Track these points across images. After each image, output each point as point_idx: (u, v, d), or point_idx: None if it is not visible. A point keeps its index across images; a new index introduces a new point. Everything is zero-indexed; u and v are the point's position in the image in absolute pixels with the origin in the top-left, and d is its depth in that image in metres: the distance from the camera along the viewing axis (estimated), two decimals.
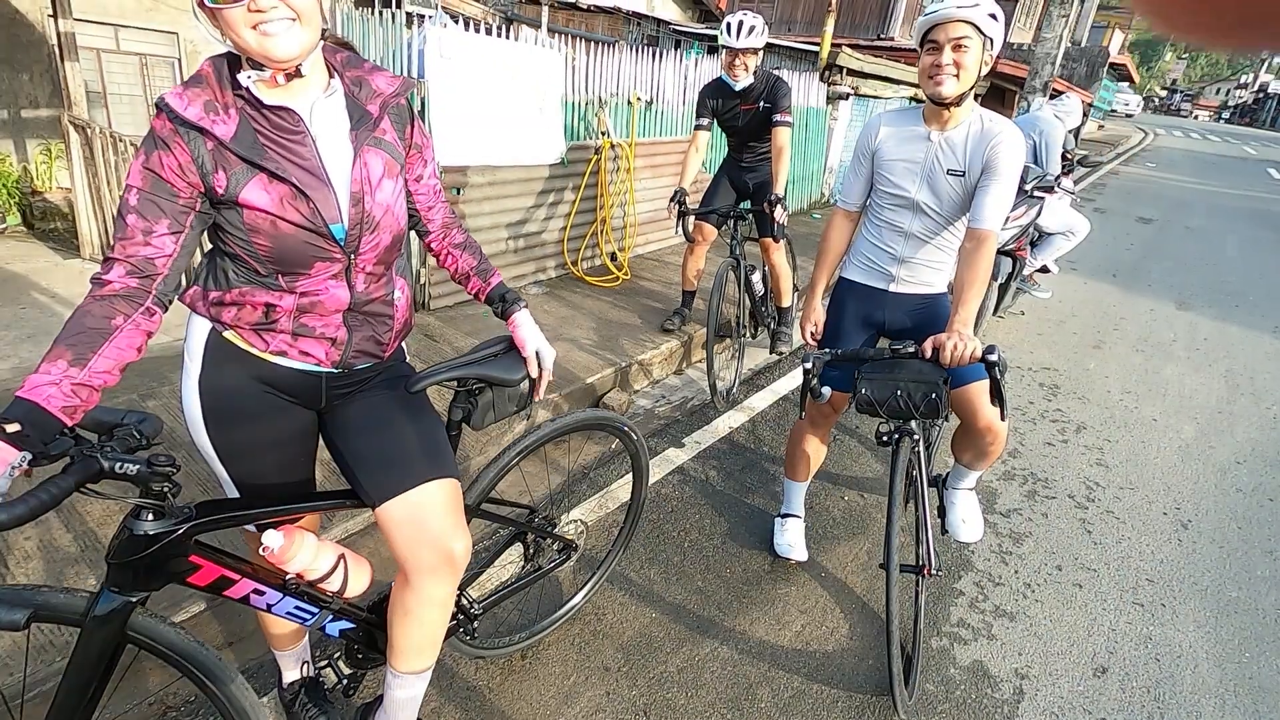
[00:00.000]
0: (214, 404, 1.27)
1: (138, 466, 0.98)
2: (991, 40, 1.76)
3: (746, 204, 3.74)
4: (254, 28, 1.04)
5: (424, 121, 3.62)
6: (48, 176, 7.00)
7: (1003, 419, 1.87)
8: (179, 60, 7.80)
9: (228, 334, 1.24)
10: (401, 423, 1.36)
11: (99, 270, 1.10)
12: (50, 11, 5.29)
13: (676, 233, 4.41)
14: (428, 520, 1.28)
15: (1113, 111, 32.47)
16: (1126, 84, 32.85)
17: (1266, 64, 48.59)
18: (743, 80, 3.41)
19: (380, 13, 3.84)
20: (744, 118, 3.52)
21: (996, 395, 1.72)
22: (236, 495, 1.35)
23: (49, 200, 6.48)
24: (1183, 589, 2.46)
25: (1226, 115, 28.54)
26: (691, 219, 3.65)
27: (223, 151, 1.10)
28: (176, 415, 2.74)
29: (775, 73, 3.47)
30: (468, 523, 1.42)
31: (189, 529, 1.09)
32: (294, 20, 1.06)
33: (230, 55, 1.12)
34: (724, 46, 3.36)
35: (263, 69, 1.09)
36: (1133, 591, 2.43)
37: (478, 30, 3.83)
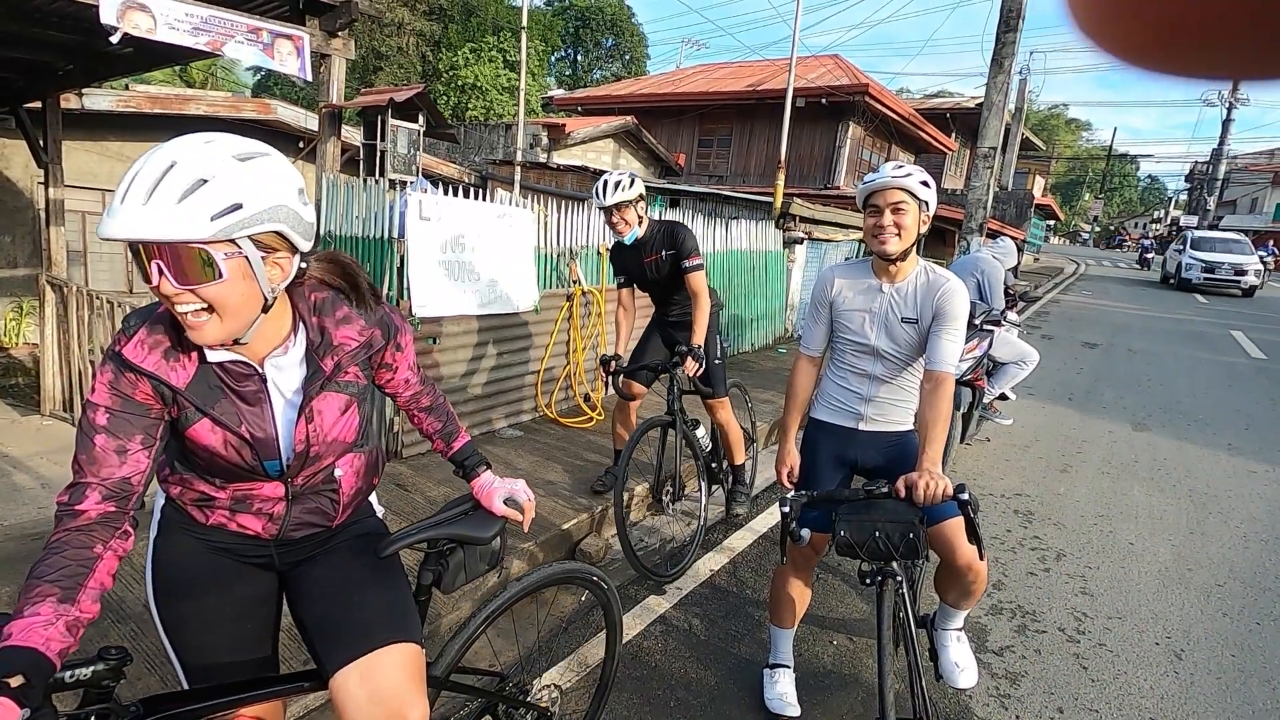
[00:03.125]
0: (163, 573, 1.26)
1: (91, 669, 0.91)
2: (926, 203, 1.95)
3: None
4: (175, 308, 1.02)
5: (403, 278, 3.76)
6: (15, 333, 6.99)
7: (980, 558, 1.87)
8: None
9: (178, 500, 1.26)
10: (364, 585, 1.31)
11: (67, 499, 1.04)
12: (41, 180, 5.56)
13: (608, 393, 4.43)
14: (381, 689, 1.20)
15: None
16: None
17: (1174, 200, 53.73)
18: (630, 233, 3.31)
19: (365, 180, 4.11)
20: (651, 270, 3.43)
21: (972, 534, 1.73)
22: (184, 677, 1.28)
23: (13, 356, 6.44)
24: None
25: (1147, 243, 30.52)
26: (621, 377, 3.53)
27: (177, 395, 1.12)
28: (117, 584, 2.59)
29: (670, 220, 3.40)
30: (435, 696, 1.33)
31: None
32: (209, 312, 1.02)
33: None
34: (599, 209, 3.32)
35: None
36: None
37: (457, 193, 4.10)
